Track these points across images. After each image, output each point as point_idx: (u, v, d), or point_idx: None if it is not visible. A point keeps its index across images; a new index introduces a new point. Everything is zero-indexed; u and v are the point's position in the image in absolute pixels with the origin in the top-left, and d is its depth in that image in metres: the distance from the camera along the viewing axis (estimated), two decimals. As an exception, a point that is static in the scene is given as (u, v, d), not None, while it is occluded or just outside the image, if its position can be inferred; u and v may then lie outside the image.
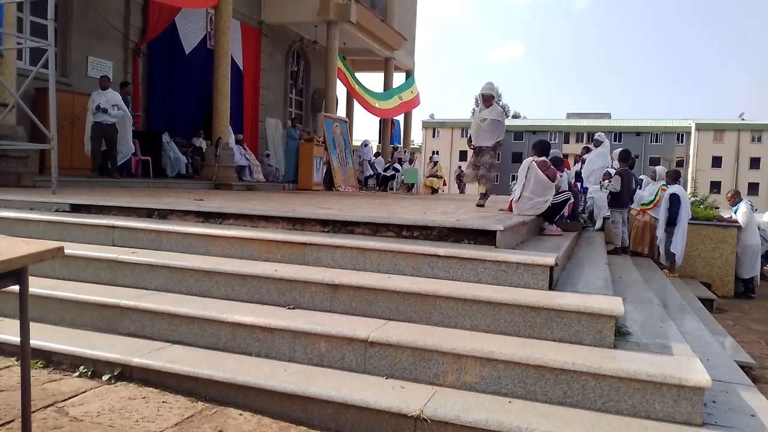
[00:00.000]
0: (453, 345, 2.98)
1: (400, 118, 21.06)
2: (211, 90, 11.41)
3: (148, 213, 4.96)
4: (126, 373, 3.15)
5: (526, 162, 5.85)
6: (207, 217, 4.79)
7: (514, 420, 2.56)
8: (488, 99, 7.00)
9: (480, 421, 2.56)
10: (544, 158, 5.89)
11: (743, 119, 63.62)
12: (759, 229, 10.44)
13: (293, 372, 3.02)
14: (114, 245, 4.42)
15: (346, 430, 2.75)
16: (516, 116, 78.57)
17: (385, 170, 17.40)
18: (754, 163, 61.20)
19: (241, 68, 14.69)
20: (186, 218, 4.82)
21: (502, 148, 7.37)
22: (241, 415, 2.84)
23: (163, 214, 4.91)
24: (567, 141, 65.18)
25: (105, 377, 3.13)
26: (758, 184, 59.97)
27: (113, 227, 4.50)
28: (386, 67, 19.25)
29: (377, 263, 3.82)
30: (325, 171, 13.15)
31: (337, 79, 15.63)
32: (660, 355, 3.03)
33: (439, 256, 3.72)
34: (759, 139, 61.38)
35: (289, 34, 16.82)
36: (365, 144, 18.44)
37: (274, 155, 15.94)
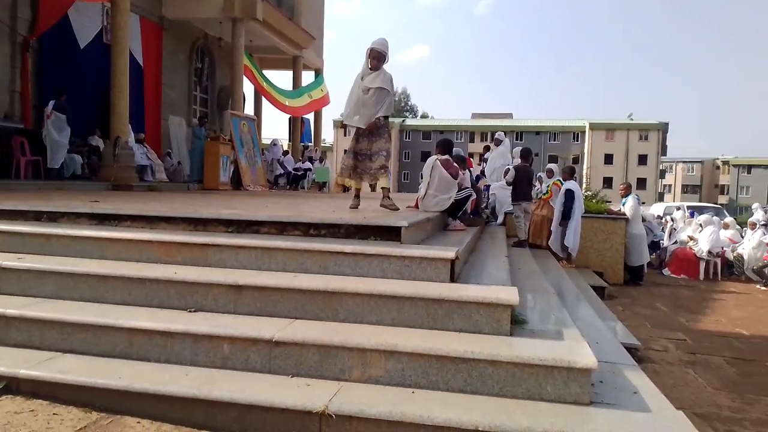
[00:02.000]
0: (358, 340, 3.01)
1: (311, 116, 20.90)
2: (109, 87, 10.82)
3: (36, 216, 4.63)
4: (12, 387, 2.94)
5: (430, 160, 5.99)
6: (102, 219, 4.55)
7: (416, 410, 2.63)
8: (379, 59, 5.43)
9: (384, 413, 2.61)
10: (447, 156, 6.06)
11: (632, 119, 68.49)
12: (644, 220, 11.33)
13: (195, 376, 2.94)
14: (-3, 251, 4.10)
15: (251, 432, 2.71)
16: (424, 116, 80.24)
17: (295, 169, 17.22)
18: (642, 159, 66.08)
19: (141, 64, 14.04)
20: (78, 221, 4.56)
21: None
22: (139, 423, 2.73)
23: (54, 217, 4.60)
24: (472, 140, 67.48)
25: (-13, 392, 2.91)
26: (645, 179, 64.84)
27: (-5, 232, 4.18)
28: (295, 65, 19.04)
29: (283, 263, 3.79)
30: (232, 170, 12.84)
31: (245, 77, 15.28)
32: (552, 340, 3.21)
33: (345, 253, 3.75)
34: (646, 138, 66.32)
35: (193, 30, 16.25)
36: (274, 143, 18.16)
37: (177, 154, 15.35)
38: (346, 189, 17.98)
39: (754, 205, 14.65)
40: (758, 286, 10.67)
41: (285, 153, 17.80)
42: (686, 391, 4.23)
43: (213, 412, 2.75)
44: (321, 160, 18.45)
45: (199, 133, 13.48)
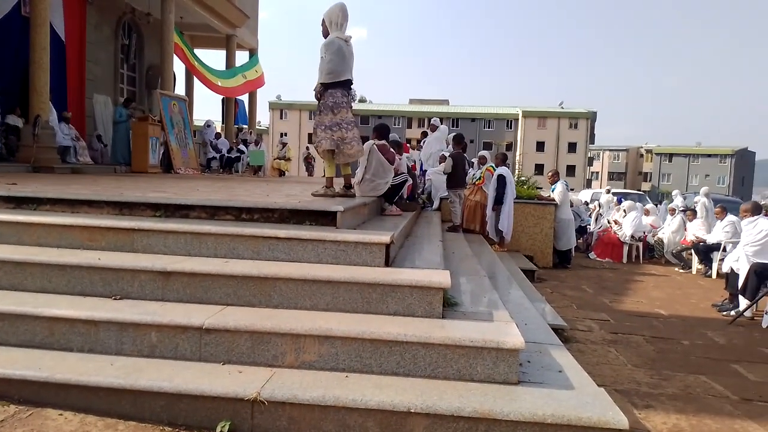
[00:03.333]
0: (292, 326, 2.99)
1: (245, 98, 20.40)
2: (28, 63, 10.16)
3: (-56, 200, 4.32)
4: None
5: (367, 145, 5.98)
6: (19, 202, 4.29)
7: (350, 393, 2.64)
8: (322, 25, 5.12)
9: (317, 397, 2.61)
10: (384, 142, 6.08)
11: (563, 108, 70.77)
12: (572, 206, 11.77)
13: (121, 366, 2.84)
14: None
15: (180, 421, 2.65)
16: (362, 101, 80.00)
17: (229, 152, 16.80)
18: (572, 147, 68.56)
19: (63, 39, 13.22)
20: (-8, 205, 4.28)
21: (326, 103, 5.05)
22: (61, 415, 2.62)
23: (-37, 201, 4.31)
24: (410, 126, 68.01)
25: None
26: (575, 166, 67.37)
27: None
28: (228, 44, 18.48)
29: (214, 248, 3.71)
30: (162, 152, 12.38)
31: (175, 56, 14.71)
32: (483, 322, 3.30)
33: (279, 238, 3.70)
34: (576, 126, 68.79)
35: (119, 4, 15.44)
36: (207, 124, 17.64)
37: (105, 136, 14.64)
38: (282, 173, 17.78)
39: (674, 192, 15.56)
40: (677, 269, 11.31)
41: (218, 135, 17.32)
42: (608, 369, 4.44)
43: (140, 401, 2.67)
44: (256, 143, 18.09)
45: (120, 113, 12.86)
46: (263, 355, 2.96)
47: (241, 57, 19.83)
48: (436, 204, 9.51)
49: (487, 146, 58.40)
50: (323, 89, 5.06)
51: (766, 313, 6.46)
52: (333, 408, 2.61)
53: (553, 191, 10.94)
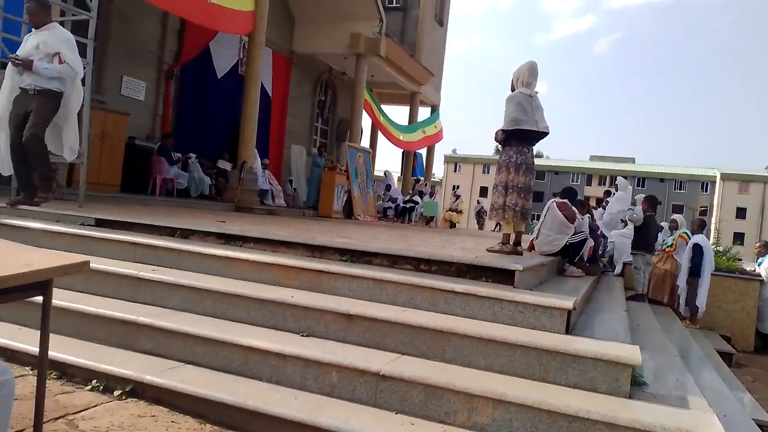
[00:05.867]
0: (466, 384, 2.95)
1: (423, 151, 21.21)
2: (239, 114, 11.64)
3: (170, 232, 5.02)
4: (138, 390, 3.16)
5: (548, 203, 5.97)
6: (228, 239, 4.84)
7: (523, 465, 2.51)
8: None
9: (489, 464, 2.52)
10: (565, 200, 5.97)
11: (770, 171, 62.80)
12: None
13: (303, 401, 3.00)
14: (136, 262, 4.48)
15: (352, 464, 2.71)
16: (538, 156, 78.65)
17: (405, 202, 17.45)
18: (780, 215, 60.17)
19: (270, 94, 14.98)
20: (207, 239, 4.88)
21: (514, 153, 5.17)
22: (249, 440, 2.83)
23: (185, 234, 4.97)
24: (589, 183, 65.05)
25: (116, 393, 3.14)
26: (784, 237, 58.84)
27: (136, 244, 4.57)
28: (412, 100, 19.47)
29: (393, 295, 3.82)
30: (345, 199, 13.25)
31: (363, 110, 15.85)
32: (676, 408, 2.96)
33: (456, 292, 3.70)
34: (785, 192, 60.49)
35: (319, 64, 17.15)
36: (388, 174, 18.57)
37: (296, 181, 16.11)
38: (453, 225, 17.97)
39: None
40: None
41: (388, 187, 18.08)
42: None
43: (318, 438, 2.78)
44: (431, 195, 18.57)
45: (318, 161, 14.10)
46: (435, 411, 2.94)
47: (423, 112, 20.72)
48: (618, 269, 8.89)
49: (678, 209, 53.56)
50: (506, 139, 5.13)
51: None
52: (505, 478, 2.49)
53: (759, 265, 9.67)
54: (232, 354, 3.35)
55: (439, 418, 2.92)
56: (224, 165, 13.16)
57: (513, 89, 5.24)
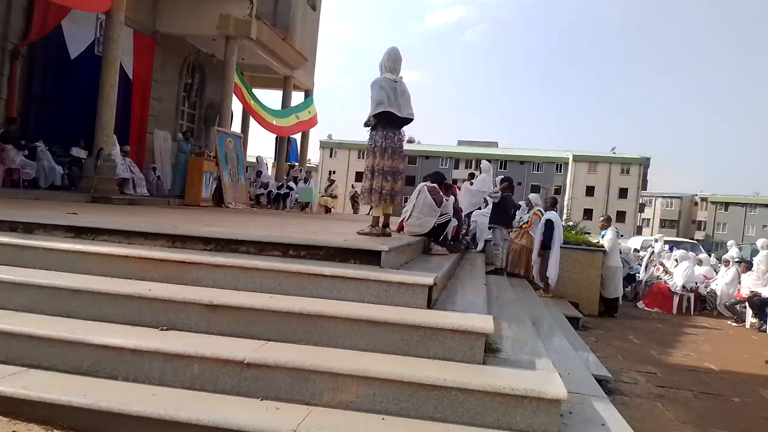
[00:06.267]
0: (331, 364, 3.00)
1: (297, 136, 20.98)
2: (96, 98, 10.78)
3: (11, 227, 4.56)
4: (-27, 401, 2.87)
5: (419, 186, 6.20)
6: (79, 232, 4.50)
7: (385, 437, 2.62)
8: None
9: (353, 439, 2.60)
10: (435, 185, 6.24)
11: (614, 153, 69.59)
12: (621, 253, 11.47)
13: (163, 396, 2.90)
14: (-32, 261, 4.03)
15: (217, 454, 2.67)
16: (410, 141, 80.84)
17: (279, 188, 17.21)
18: (623, 193, 67.08)
19: (131, 77, 14.00)
20: (55, 233, 4.50)
21: (380, 138, 5.17)
22: (103, 442, 2.68)
23: (29, 229, 4.54)
24: (457, 167, 68.05)
25: (-53, 406, 2.84)
26: (625, 212, 65.71)
27: (-33, 241, 4.11)
28: (285, 85, 19.14)
29: (260, 283, 3.78)
30: (214, 187, 12.80)
31: (233, 95, 15.33)
32: (525, 369, 3.23)
33: (324, 275, 3.75)
34: (627, 171, 67.44)
35: (186, 45, 16.29)
36: (260, 160, 18.18)
37: (161, 168, 15.27)
38: (328, 210, 18.05)
39: (729, 243, 14.98)
40: (730, 322, 10.81)
41: (258, 173, 17.74)
42: (653, 425, 4.25)
43: (180, 432, 2.71)
44: (306, 180, 18.47)
45: (184, 147, 13.45)
46: (301, 393, 2.97)
47: (297, 97, 20.45)
48: (480, 246, 9.44)
49: (536, 189, 57.71)
50: (375, 123, 5.19)
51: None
52: (368, 451, 2.58)
53: (602, 237, 10.71)
54: (82, 354, 3.14)
55: (305, 400, 2.95)
56: (79, 153, 12.15)
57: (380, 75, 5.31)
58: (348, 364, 3.01)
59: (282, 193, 17.13)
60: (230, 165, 13.64)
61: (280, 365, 3.00)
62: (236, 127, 18.24)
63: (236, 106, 17.36)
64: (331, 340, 3.34)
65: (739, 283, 11.32)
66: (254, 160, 18.96)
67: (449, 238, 6.88)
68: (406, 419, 2.84)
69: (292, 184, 17.51)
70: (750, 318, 10.41)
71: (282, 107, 19.05)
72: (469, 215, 10.08)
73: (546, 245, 8.81)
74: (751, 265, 11.45)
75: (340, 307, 3.48)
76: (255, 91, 18.41)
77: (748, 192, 79.01)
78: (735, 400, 5.19)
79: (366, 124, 5.33)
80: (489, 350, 3.41)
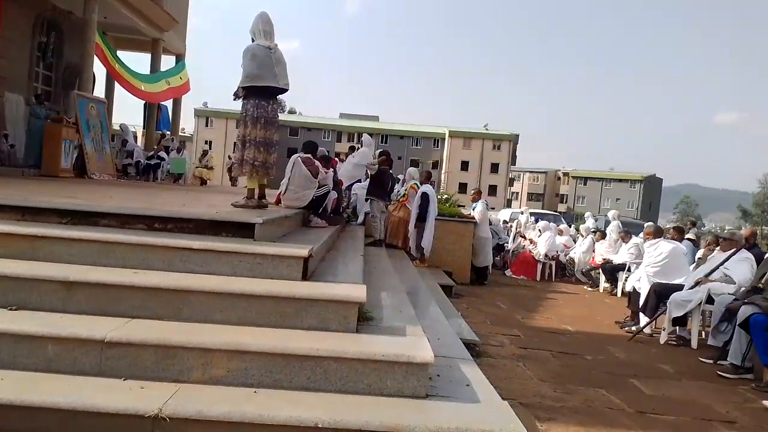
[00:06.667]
0: (201, 340, 2.93)
1: (169, 103, 19.80)
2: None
3: None
4: None
5: (292, 158, 6.06)
6: None
7: (257, 409, 2.61)
8: None
9: (223, 413, 2.56)
10: (309, 155, 6.14)
11: (487, 129, 73.19)
12: (491, 224, 12.17)
13: (14, 379, 2.67)
14: None
15: (75, 439, 2.52)
16: (292, 112, 79.41)
17: (149, 158, 16.21)
18: (494, 168, 70.99)
19: (-28, 33, 12.39)
20: None
21: (252, 107, 5.01)
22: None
23: None
24: (339, 140, 68.12)
25: None
26: (497, 186, 69.67)
27: None
28: (154, 48, 17.87)
29: (124, 258, 3.58)
30: (76, 156, 11.80)
31: (95, 57, 14.09)
32: (396, 336, 3.35)
33: (193, 249, 3.62)
34: (499, 148, 71.33)
35: (39, 0, 14.66)
36: (124, 128, 16.97)
37: (13, 136, 13.75)
38: (204, 182, 17.32)
39: (586, 215, 16.36)
40: (586, 287, 11.89)
41: (124, 142, 16.60)
42: (516, 383, 4.60)
43: (33, 417, 2.51)
44: (178, 150, 17.55)
45: (38, 112, 12.20)
46: (169, 370, 2.87)
47: (168, 62, 19.26)
48: (360, 218, 9.58)
49: (415, 164, 59.30)
50: (245, 94, 4.99)
51: (663, 330, 6.91)
52: (240, 424, 2.56)
53: (473, 210, 11.27)
54: None
55: (173, 377, 2.86)
56: None
57: (252, 41, 5.09)
58: (219, 339, 2.95)
59: (152, 164, 16.14)
60: (93, 132, 12.62)
61: (146, 343, 2.87)
62: (99, 91, 16.83)
63: (100, 70, 16.02)
64: (202, 316, 3.25)
65: (593, 251, 12.47)
66: (118, 128, 17.65)
67: (329, 210, 6.90)
68: (280, 390, 2.85)
69: (163, 154, 16.54)
70: (603, 283, 11.52)
71: (151, 72, 17.83)
72: (349, 188, 10.15)
73: (422, 217, 9.12)
74: (605, 234, 12.63)
75: (211, 281, 3.39)
76: (121, 54, 17.07)
77: (604, 168, 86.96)
78: (588, 358, 5.73)
79: (235, 96, 5.13)
80: (363, 319, 3.49)
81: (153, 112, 18.38)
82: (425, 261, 9.39)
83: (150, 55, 18.04)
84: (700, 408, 4.41)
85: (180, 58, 19.92)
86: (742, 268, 6.51)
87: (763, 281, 5.67)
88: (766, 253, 7.00)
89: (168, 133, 19.16)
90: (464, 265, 10.48)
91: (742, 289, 6.12)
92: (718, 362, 5.73)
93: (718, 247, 7.64)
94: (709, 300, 6.45)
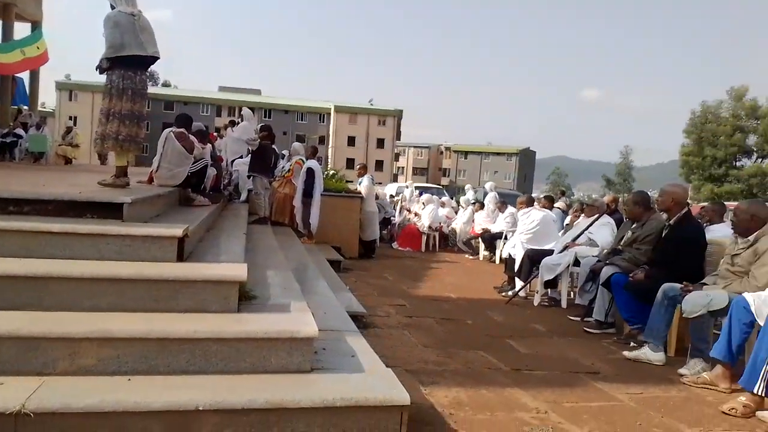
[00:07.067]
0: (66, 329, 2.72)
1: (25, 75, 17.94)
2: None
3: None
4: None
5: (164, 133, 5.74)
6: None
7: (132, 397, 2.48)
8: None
9: (94, 404, 2.40)
10: (182, 130, 5.85)
11: (372, 105, 73.79)
12: (377, 198, 12.36)
13: None
14: None
15: None
16: (166, 85, 75.15)
17: (3, 136, 14.66)
18: (380, 143, 71.92)
19: None
20: None
21: (117, 77, 4.66)
22: None
23: None
24: (219, 114, 65.55)
25: None
26: (383, 161, 70.72)
27: None
28: (5, 14, 16.08)
29: (-29, 245, 3.22)
30: None
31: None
32: (280, 313, 3.32)
33: (53, 233, 3.34)
34: (384, 123, 72.25)
35: None
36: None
37: None
38: (69, 161, 15.98)
39: (467, 187, 17.08)
40: (467, 256, 12.46)
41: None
42: (402, 351, 4.74)
43: None
44: (38, 127, 16.01)
45: None
46: (31, 364, 2.64)
47: (22, 30, 17.39)
48: (243, 196, 9.32)
49: (300, 139, 58.55)
50: (110, 65, 4.63)
51: (536, 293, 7.42)
52: (113, 414, 2.42)
53: (360, 184, 11.37)
54: None
55: (37, 370, 2.64)
56: None
57: (113, 8, 4.73)
58: (86, 327, 2.75)
59: (8, 141, 14.63)
60: (-68, 107, 11.18)
61: (2, 336, 2.62)
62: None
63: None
64: (67, 304, 3.01)
65: (473, 221, 13.07)
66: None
67: (209, 188, 6.64)
68: (157, 376, 2.73)
69: (20, 131, 15.04)
70: (482, 251, 12.13)
71: (2, 40, 16.05)
72: (231, 164, 9.84)
73: (308, 193, 9.05)
74: (483, 205, 13.26)
75: (75, 266, 3.15)
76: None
77: (482, 142, 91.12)
78: (469, 323, 6.02)
79: (99, 69, 4.74)
80: (245, 298, 3.42)
81: (7, 84, 16.61)
82: (313, 237, 9.36)
83: (0, 22, 16.22)
84: (568, 362, 4.79)
85: (36, 26, 18.05)
86: (603, 232, 7.11)
87: (622, 243, 6.22)
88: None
89: (25, 108, 17.45)
90: (352, 240, 10.57)
91: (605, 251, 6.68)
92: (585, 319, 6.23)
93: (583, 214, 8.26)
94: (576, 263, 6.98)
